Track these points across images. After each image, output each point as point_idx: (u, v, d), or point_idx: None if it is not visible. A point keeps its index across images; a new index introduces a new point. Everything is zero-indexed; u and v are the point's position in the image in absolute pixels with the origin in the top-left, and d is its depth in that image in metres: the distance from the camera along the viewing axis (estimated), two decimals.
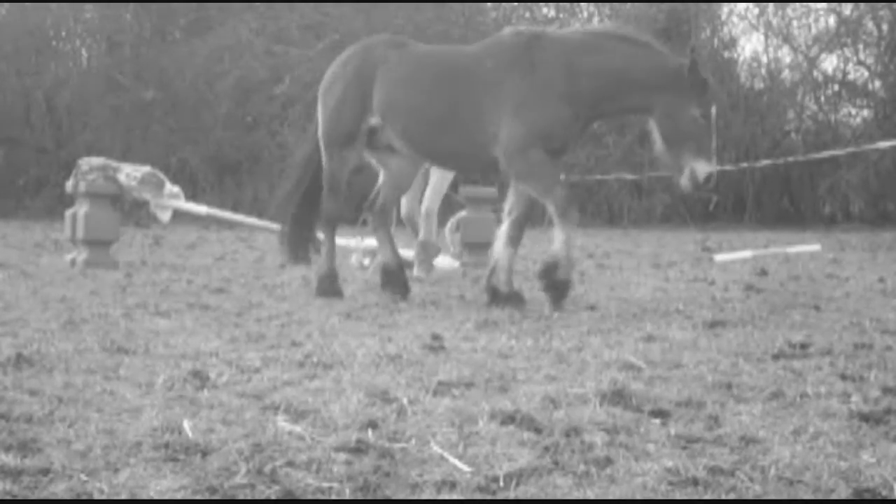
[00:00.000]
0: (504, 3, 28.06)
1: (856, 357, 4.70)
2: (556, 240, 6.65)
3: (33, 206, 24.65)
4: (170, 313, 6.26)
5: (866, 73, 27.43)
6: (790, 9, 27.28)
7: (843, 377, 4.21)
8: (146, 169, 10.80)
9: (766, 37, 27.82)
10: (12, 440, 3.06)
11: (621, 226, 24.41)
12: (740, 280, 8.97)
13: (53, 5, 26.76)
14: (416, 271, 9.51)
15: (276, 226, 8.91)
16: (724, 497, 2.69)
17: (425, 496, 2.69)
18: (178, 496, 2.64)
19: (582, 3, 28.38)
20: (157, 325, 5.69)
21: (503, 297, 6.83)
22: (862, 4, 26.32)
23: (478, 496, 2.69)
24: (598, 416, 3.46)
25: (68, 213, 10.53)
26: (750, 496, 2.69)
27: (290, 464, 2.90)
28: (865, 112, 27.74)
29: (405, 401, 3.67)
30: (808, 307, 6.82)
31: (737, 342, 5.16)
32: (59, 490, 2.67)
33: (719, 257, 12.13)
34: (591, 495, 2.68)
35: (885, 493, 2.71)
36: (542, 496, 2.69)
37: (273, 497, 2.66)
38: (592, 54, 6.69)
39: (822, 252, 13.11)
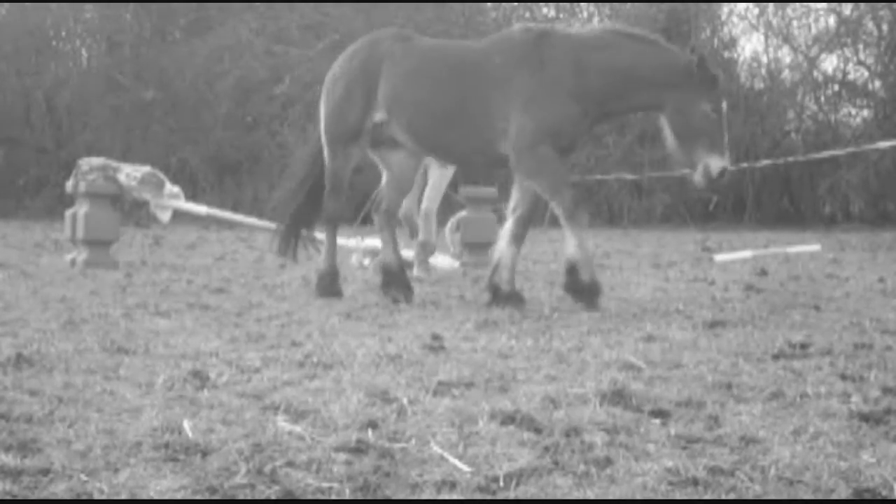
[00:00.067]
0: (504, 3, 28.07)
1: (856, 357, 4.70)
2: (568, 244, 6.66)
3: (33, 206, 24.66)
4: (170, 313, 6.26)
5: (866, 73, 27.44)
6: (790, 9, 27.29)
7: (843, 377, 4.21)
8: (146, 169, 10.80)
9: (766, 37, 27.84)
10: (12, 440, 3.06)
11: (621, 226, 24.40)
12: (740, 280, 8.97)
13: (53, 5, 26.77)
14: (415, 271, 9.51)
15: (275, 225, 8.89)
16: (724, 497, 2.69)
17: (425, 496, 2.69)
18: (178, 496, 2.64)
19: (582, 3, 28.42)
20: (157, 325, 5.69)
21: (504, 296, 6.83)
22: (862, 4, 26.31)
23: (478, 496, 2.69)
24: (598, 416, 3.47)
25: (68, 213, 10.53)
26: (750, 496, 2.69)
27: (290, 464, 2.90)
28: (865, 112, 27.74)
29: (405, 401, 3.67)
30: (808, 307, 6.82)
31: (737, 342, 5.16)
32: (59, 490, 2.67)
33: (719, 257, 12.13)
34: (591, 495, 2.68)
35: (885, 493, 2.71)
36: (542, 496, 2.69)
37: (273, 497, 2.66)
38: (601, 51, 6.69)
39: (822, 252, 13.11)
